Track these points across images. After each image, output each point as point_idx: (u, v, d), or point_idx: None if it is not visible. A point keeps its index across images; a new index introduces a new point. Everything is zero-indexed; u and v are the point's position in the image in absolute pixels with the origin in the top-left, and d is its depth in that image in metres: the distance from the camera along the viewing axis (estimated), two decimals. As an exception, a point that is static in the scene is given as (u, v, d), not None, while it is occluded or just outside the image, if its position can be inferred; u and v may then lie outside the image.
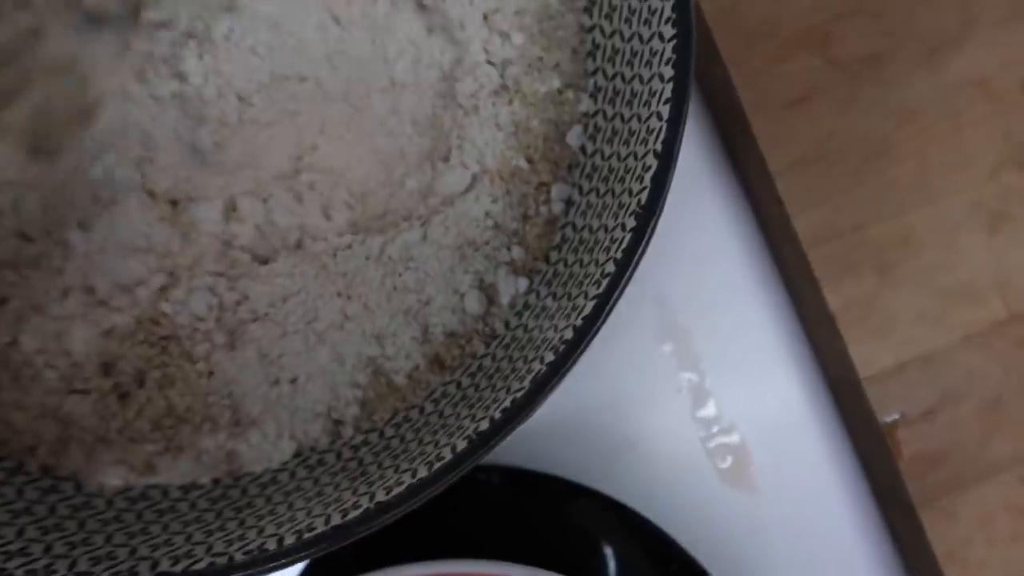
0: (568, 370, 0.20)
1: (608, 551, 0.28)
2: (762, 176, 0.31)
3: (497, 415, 0.20)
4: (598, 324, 0.20)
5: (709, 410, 0.32)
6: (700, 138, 0.33)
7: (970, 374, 0.30)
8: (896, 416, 0.30)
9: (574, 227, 0.25)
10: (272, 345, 0.23)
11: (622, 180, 0.23)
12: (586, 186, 0.26)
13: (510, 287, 0.25)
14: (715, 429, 0.32)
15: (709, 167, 0.33)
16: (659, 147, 0.21)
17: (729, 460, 0.32)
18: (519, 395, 0.20)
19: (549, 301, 0.24)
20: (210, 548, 0.19)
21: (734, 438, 0.32)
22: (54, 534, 0.20)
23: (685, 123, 0.21)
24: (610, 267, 0.21)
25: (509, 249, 0.25)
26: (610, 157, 0.25)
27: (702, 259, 0.33)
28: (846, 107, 0.31)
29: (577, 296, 0.22)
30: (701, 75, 0.33)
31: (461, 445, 0.19)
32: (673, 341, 0.32)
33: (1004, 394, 0.30)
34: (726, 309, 0.32)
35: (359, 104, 0.25)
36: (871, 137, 0.31)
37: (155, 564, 0.19)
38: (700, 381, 0.32)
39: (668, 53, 0.21)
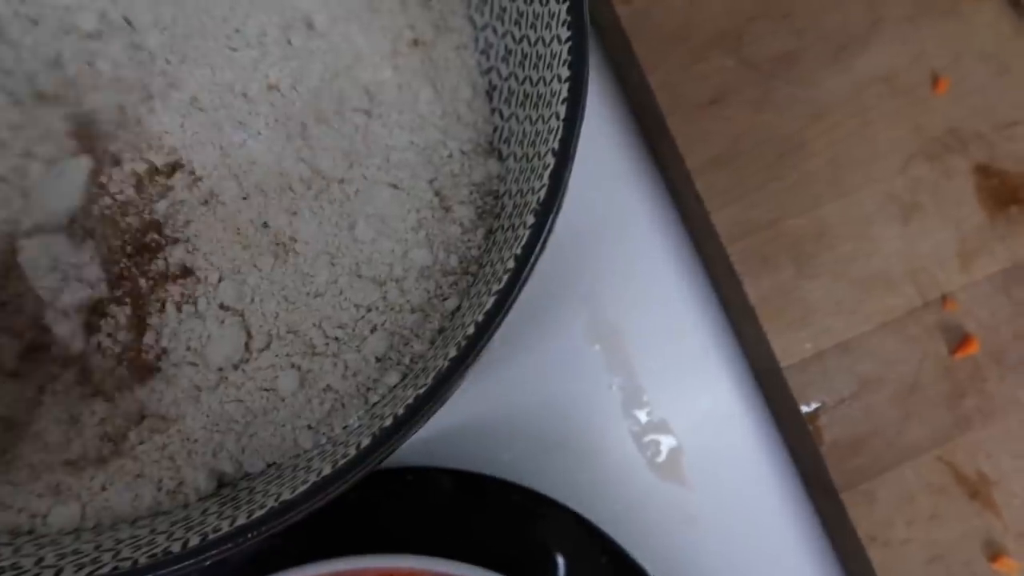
0: (472, 362, 0.20)
1: (537, 546, 0.29)
2: (681, 175, 0.32)
3: (400, 411, 0.20)
4: (499, 318, 0.20)
5: (640, 406, 0.32)
6: (625, 142, 0.34)
7: (887, 360, 0.31)
8: (817, 404, 0.30)
9: (502, 228, 0.26)
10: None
11: (528, 180, 0.23)
12: (502, 189, 0.26)
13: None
14: (647, 424, 0.32)
15: (634, 170, 0.34)
16: (557, 145, 0.21)
17: (661, 454, 0.32)
18: (422, 391, 0.20)
19: (467, 306, 0.24)
20: (117, 554, 0.19)
21: (666, 432, 0.32)
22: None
23: (582, 121, 0.21)
24: (511, 263, 0.21)
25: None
26: (520, 159, 0.25)
27: (629, 260, 0.33)
28: (759, 106, 0.32)
29: (483, 295, 0.22)
30: (621, 80, 0.34)
31: (365, 442, 0.20)
32: (602, 341, 0.33)
33: (920, 378, 0.31)
34: (654, 307, 0.33)
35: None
36: (784, 134, 0.32)
37: (59, 571, 0.19)
38: (631, 379, 0.33)
39: (565, 55, 0.22)
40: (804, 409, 0.30)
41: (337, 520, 0.28)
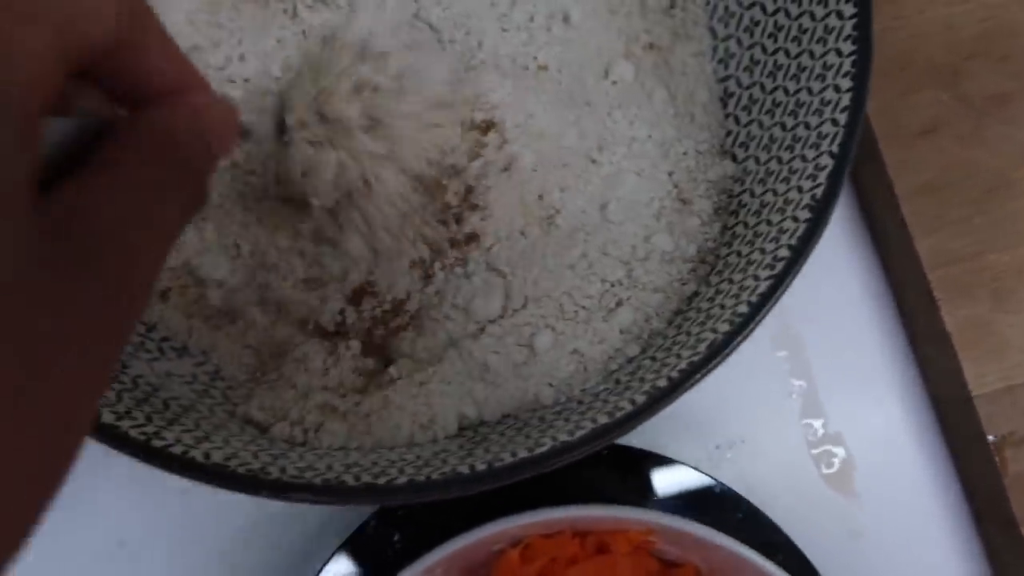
0: (743, 339, 0.22)
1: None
2: (887, 199, 0.33)
3: (675, 374, 0.21)
4: (772, 300, 0.22)
5: (817, 416, 0.33)
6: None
7: (1077, 403, 0.31)
8: (1004, 436, 0.31)
9: (745, 225, 0.27)
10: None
11: (786, 180, 0.25)
12: (737, 189, 0.28)
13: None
14: (821, 434, 0.33)
15: (831, 187, 0.35)
16: (836, 149, 0.23)
17: (833, 464, 0.33)
18: (695, 358, 0.22)
19: (713, 291, 0.26)
20: (402, 470, 0.21)
21: (839, 444, 0.33)
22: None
23: (861, 127, 0.23)
24: (785, 252, 0.22)
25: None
26: (766, 162, 0.27)
27: (820, 276, 0.34)
28: (970, 141, 0.33)
29: (746, 279, 0.23)
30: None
31: (640, 399, 0.21)
32: (788, 348, 0.34)
33: (1109, 425, 0.31)
34: (840, 323, 0.34)
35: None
36: (993, 170, 0.33)
37: (358, 476, 0.21)
38: (810, 388, 0.33)
39: (847, 67, 0.24)
40: (991, 439, 0.31)
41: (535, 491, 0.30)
